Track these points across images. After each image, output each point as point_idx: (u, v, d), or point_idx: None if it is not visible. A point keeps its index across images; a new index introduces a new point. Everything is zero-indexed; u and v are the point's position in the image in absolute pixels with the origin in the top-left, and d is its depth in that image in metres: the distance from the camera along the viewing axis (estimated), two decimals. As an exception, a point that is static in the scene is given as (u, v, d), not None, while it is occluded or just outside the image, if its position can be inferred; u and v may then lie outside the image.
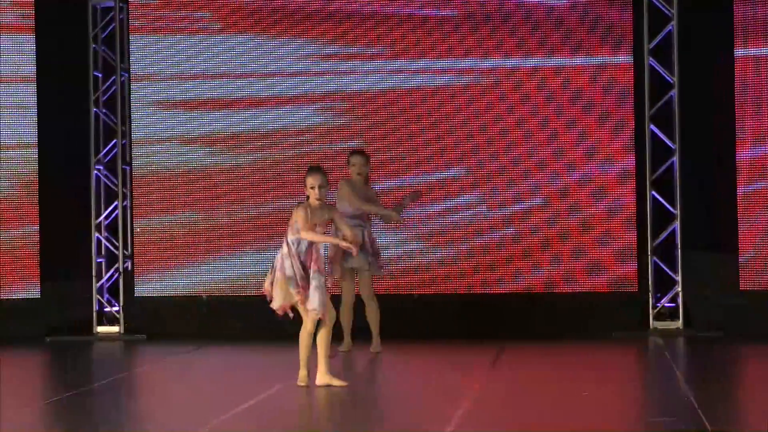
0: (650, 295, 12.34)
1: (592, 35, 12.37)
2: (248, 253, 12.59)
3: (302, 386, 9.29)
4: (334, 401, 9.00)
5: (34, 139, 12.65)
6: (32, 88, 12.61)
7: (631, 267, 12.32)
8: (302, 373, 9.32)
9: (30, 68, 12.62)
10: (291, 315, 9.33)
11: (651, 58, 12.35)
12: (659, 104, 12.38)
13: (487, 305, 12.44)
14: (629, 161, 12.37)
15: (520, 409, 8.53)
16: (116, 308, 12.81)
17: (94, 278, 12.76)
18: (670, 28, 12.36)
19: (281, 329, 11.58)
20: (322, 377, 9.26)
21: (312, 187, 9.21)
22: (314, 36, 12.58)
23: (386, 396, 9.62)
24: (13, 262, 12.62)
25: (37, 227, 12.63)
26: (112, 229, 12.86)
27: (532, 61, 12.43)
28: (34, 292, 12.64)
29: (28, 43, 12.60)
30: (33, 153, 12.65)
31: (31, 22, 12.59)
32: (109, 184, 12.88)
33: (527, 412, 8.44)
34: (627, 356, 11.33)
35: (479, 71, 12.47)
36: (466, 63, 12.48)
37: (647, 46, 12.33)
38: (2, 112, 12.66)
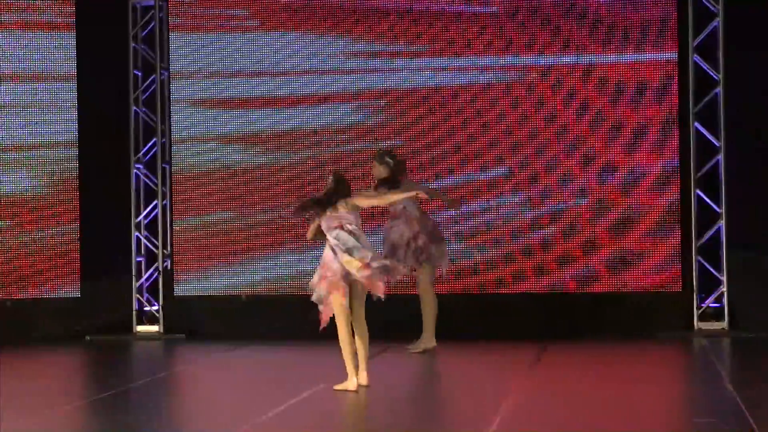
0: (695, 296, 12.18)
1: (636, 31, 12.23)
2: (288, 253, 12.51)
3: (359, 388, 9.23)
4: (375, 401, 8.92)
5: (75, 138, 12.64)
6: (73, 86, 12.60)
7: (676, 267, 12.17)
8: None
9: (70, 66, 12.61)
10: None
11: (696, 55, 12.20)
12: (704, 101, 12.22)
13: (529, 305, 12.32)
14: (673, 159, 12.22)
15: (562, 410, 8.43)
16: (156, 307, 12.77)
17: (133, 277, 12.74)
18: (716, 23, 12.20)
19: (319, 328, 11.51)
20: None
21: None
22: (354, 33, 12.50)
23: (428, 396, 9.54)
24: (53, 261, 12.61)
25: (77, 226, 12.61)
26: (151, 228, 12.83)
27: (573, 58, 12.30)
28: (75, 292, 12.62)
29: (68, 41, 12.59)
30: (73, 152, 12.64)
31: (72, 21, 12.58)
32: (149, 183, 12.85)
33: (569, 412, 8.33)
34: (671, 357, 11.21)
35: (519, 68, 12.35)
36: (506, 60, 12.36)
37: (692, 43, 12.18)
38: (43, 110, 12.65)
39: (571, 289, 12.27)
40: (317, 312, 9.17)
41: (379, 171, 11.01)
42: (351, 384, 9.10)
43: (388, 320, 10.92)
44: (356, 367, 9.15)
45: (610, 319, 12.30)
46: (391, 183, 10.88)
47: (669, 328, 12.15)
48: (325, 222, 9.22)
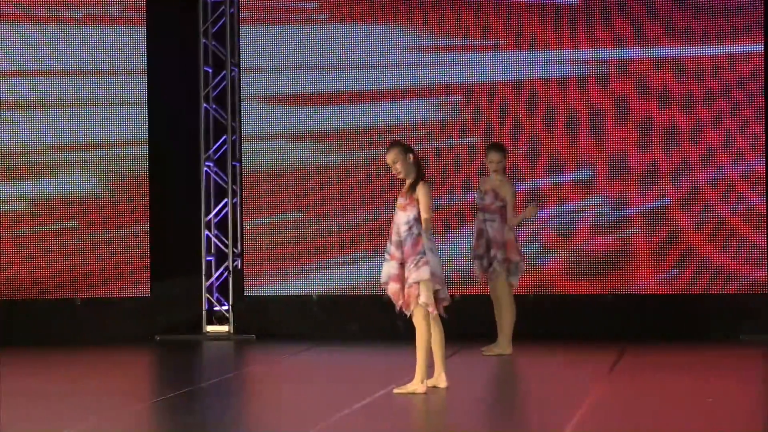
0: (781, 297, 11.88)
1: (720, 23, 11.88)
2: (360, 253, 12.30)
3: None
4: (448, 402, 8.72)
5: (145, 136, 12.52)
6: (143, 83, 12.47)
7: (762, 268, 11.82)
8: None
9: (140, 63, 12.48)
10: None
11: (783, 47, 11.87)
12: (791, 96, 11.86)
13: (610, 306, 12.04)
14: (760, 157, 11.87)
15: (639, 413, 8.18)
16: (225, 307, 12.60)
17: (203, 277, 12.58)
18: (804, 14, 11.82)
19: (394, 330, 11.32)
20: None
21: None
22: (429, 25, 12.24)
23: (503, 397, 9.35)
24: (123, 260, 12.49)
25: (147, 225, 12.49)
26: (221, 226, 12.67)
27: (653, 51, 11.96)
28: (144, 291, 12.50)
29: (138, 37, 12.46)
30: (143, 149, 12.52)
31: (142, 16, 12.46)
32: (219, 181, 12.69)
33: (646, 416, 8.08)
34: (756, 361, 10.91)
35: (597, 62, 12.03)
36: (583, 53, 12.04)
37: (779, 34, 11.86)
38: (112, 107, 12.53)
39: (652, 290, 11.95)
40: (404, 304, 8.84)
41: (501, 166, 10.87)
42: (421, 387, 8.81)
43: (462, 321, 10.71)
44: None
45: (692, 322, 12.01)
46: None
47: (754, 331, 11.84)
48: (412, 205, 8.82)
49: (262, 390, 9.86)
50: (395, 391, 8.86)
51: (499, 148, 10.99)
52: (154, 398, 9.28)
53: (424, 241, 8.71)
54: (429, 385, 8.88)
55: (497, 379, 10.14)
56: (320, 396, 9.11)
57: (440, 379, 8.97)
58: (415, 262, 8.69)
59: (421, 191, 8.74)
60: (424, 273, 8.67)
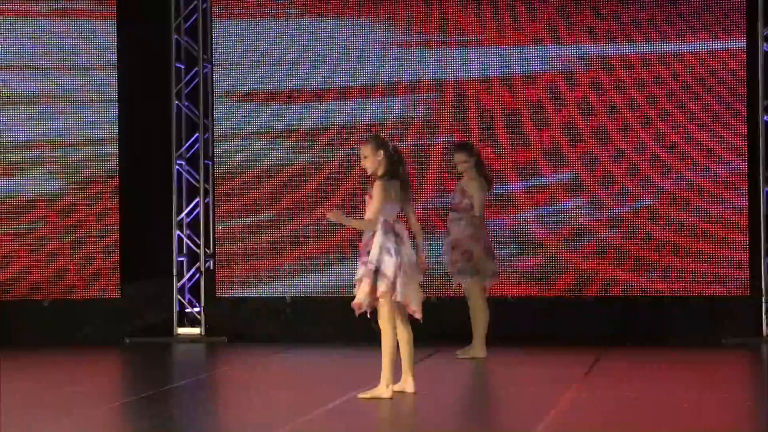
0: (763, 300, 11.70)
1: (702, 20, 11.70)
2: (334, 253, 12.08)
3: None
4: (418, 405, 8.56)
5: (115, 134, 12.28)
6: (113, 80, 12.22)
7: (744, 270, 11.64)
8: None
9: (111, 60, 12.24)
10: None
11: (766, 44, 11.69)
12: (775, 94, 11.71)
13: (589, 309, 11.87)
14: (741, 156, 11.68)
15: (609, 417, 8.05)
16: (197, 309, 12.36)
17: (175, 278, 12.34)
18: (788, 9, 11.68)
19: (368, 332, 11.10)
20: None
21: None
22: (403, 20, 12.01)
23: (472, 400, 9.20)
24: (92, 261, 12.25)
25: (117, 225, 12.25)
26: (193, 226, 12.43)
27: (636, 48, 11.77)
28: (114, 293, 12.25)
29: (109, 32, 12.22)
30: (113, 148, 12.28)
31: (112, 10, 12.22)
32: (191, 179, 12.45)
33: (616, 419, 7.96)
34: (737, 364, 10.79)
35: (578, 58, 11.85)
36: (563, 50, 11.85)
37: (761, 31, 11.65)
38: (82, 105, 12.30)
39: (633, 292, 11.77)
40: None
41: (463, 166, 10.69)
42: (387, 392, 8.58)
43: (437, 324, 10.52)
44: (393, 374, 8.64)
45: (673, 325, 11.88)
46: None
47: (735, 334, 11.69)
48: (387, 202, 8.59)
49: (230, 393, 9.72)
50: (359, 396, 8.65)
51: (461, 147, 10.78)
52: (121, 401, 9.12)
53: (378, 239, 8.49)
54: (396, 390, 8.67)
55: (468, 382, 10.00)
56: (287, 399, 8.97)
57: (407, 384, 8.75)
58: (361, 260, 8.57)
59: (374, 190, 8.55)
60: (358, 272, 8.55)
